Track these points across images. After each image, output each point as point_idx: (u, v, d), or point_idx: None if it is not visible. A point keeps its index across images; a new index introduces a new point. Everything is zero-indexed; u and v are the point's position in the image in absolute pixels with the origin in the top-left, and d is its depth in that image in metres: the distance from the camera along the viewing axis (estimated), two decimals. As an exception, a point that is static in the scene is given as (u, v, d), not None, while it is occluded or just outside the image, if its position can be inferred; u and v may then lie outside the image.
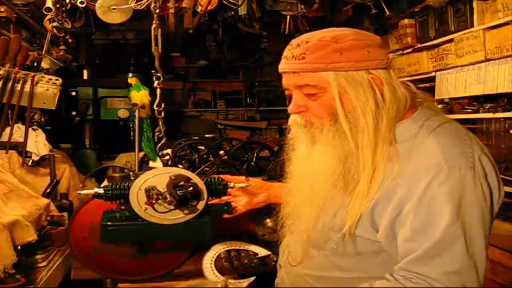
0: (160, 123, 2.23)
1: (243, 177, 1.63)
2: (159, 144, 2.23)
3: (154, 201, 1.42)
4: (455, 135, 1.12)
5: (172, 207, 1.43)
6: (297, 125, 1.24)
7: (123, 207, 1.51)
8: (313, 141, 1.21)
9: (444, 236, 1.04)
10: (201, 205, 1.46)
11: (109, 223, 1.48)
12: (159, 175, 1.44)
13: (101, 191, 1.47)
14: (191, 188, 1.42)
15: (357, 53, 1.14)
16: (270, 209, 1.89)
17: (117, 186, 1.47)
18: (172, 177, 1.42)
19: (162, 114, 2.21)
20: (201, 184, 1.45)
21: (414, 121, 1.16)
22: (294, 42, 1.21)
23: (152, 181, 1.43)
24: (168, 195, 1.40)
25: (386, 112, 1.14)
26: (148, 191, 1.42)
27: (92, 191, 1.48)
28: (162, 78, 2.21)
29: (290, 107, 1.23)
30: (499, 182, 1.11)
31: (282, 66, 1.23)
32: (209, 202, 1.49)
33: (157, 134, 2.25)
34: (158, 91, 2.22)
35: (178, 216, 1.46)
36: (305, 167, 1.25)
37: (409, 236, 1.08)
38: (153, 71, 2.22)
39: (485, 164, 1.10)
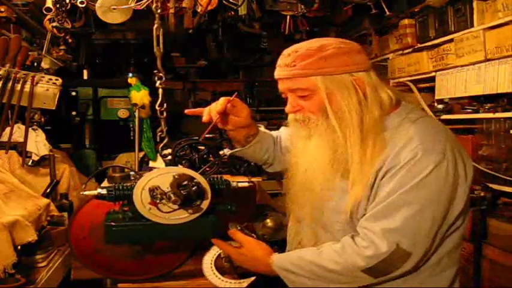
0: (162, 123, 2.23)
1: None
2: (161, 144, 2.23)
3: (158, 201, 1.41)
4: (431, 127, 1.34)
5: (176, 206, 1.43)
6: (295, 121, 1.42)
7: (126, 209, 1.50)
8: (310, 135, 1.39)
9: (395, 201, 1.25)
10: (205, 204, 1.46)
11: (113, 224, 1.48)
12: (163, 175, 1.44)
13: (104, 191, 1.47)
14: (195, 188, 1.42)
15: (339, 59, 1.33)
16: (270, 209, 1.88)
17: (120, 187, 1.47)
18: (176, 177, 1.42)
19: (164, 114, 2.21)
20: (204, 183, 1.45)
21: (398, 115, 1.36)
22: (285, 52, 1.40)
23: (156, 181, 1.43)
24: (172, 195, 1.40)
25: (370, 109, 1.33)
26: (152, 190, 1.42)
27: (94, 192, 1.48)
28: (164, 78, 2.21)
29: (287, 107, 1.43)
30: (466, 173, 1.30)
31: (276, 73, 1.42)
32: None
33: (159, 134, 2.25)
34: (160, 91, 2.22)
35: (182, 216, 1.46)
36: (301, 158, 1.43)
37: (376, 200, 1.29)
38: (155, 71, 2.22)
39: (456, 154, 1.29)
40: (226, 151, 1.73)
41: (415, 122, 1.32)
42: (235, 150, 1.71)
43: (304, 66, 1.33)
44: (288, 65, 1.35)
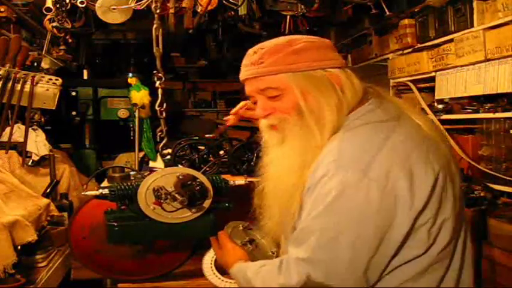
0: (162, 123, 2.23)
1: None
2: (161, 144, 2.24)
3: (162, 201, 1.43)
4: (364, 140, 1.13)
5: (180, 206, 1.44)
6: (268, 128, 1.27)
7: (123, 208, 1.51)
8: (283, 140, 1.24)
9: (307, 226, 1.11)
10: (207, 203, 1.49)
11: (115, 223, 1.49)
12: (167, 175, 1.45)
13: (106, 191, 1.48)
14: (199, 187, 1.44)
15: (311, 53, 1.19)
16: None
17: (122, 186, 1.48)
18: (180, 177, 1.44)
19: (164, 114, 2.22)
20: (207, 183, 1.47)
21: (349, 117, 1.19)
22: (250, 51, 1.26)
23: (160, 181, 1.45)
24: (178, 196, 1.42)
25: (347, 106, 1.19)
26: (156, 190, 1.43)
27: (97, 192, 1.49)
28: (163, 79, 2.21)
29: (257, 111, 1.27)
30: (412, 194, 1.08)
31: (242, 74, 1.28)
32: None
33: (159, 133, 2.26)
34: (160, 91, 2.22)
35: (186, 215, 1.49)
36: (273, 167, 1.28)
37: (300, 221, 1.16)
38: (154, 72, 2.22)
39: (396, 172, 1.07)
40: None
41: (350, 130, 1.16)
42: None
43: (272, 62, 1.19)
44: (254, 63, 1.22)
